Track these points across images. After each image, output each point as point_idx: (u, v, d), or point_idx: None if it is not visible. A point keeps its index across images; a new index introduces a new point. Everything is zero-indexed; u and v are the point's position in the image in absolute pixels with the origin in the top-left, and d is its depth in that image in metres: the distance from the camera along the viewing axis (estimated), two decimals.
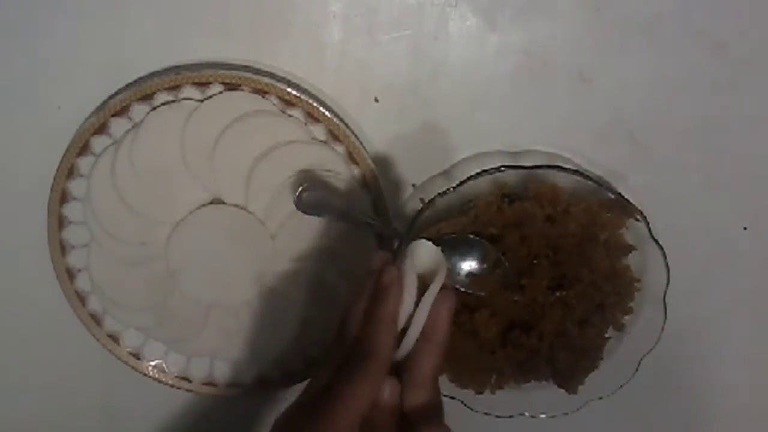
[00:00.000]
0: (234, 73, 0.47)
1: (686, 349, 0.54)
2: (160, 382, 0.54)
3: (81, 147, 0.49)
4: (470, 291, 0.48)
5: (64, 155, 0.49)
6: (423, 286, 0.40)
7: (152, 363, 0.54)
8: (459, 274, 0.48)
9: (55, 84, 0.49)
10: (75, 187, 0.50)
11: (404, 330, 0.39)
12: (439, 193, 0.47)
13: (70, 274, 0.52)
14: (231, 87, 0.48)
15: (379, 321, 0.38)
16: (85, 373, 0.56)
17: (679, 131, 0.50)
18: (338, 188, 0.49)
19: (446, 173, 0.51)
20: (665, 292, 0.49)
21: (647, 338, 0.50)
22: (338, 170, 0.49)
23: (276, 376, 0.54)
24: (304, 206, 0.47)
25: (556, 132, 0.50)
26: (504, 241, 0.47)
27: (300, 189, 0.46)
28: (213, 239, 0.50)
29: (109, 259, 0.51)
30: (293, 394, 0.41)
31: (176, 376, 0.54)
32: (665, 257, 0.48)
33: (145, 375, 0.54)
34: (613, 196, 0.48)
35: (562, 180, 0.47)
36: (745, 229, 0.52)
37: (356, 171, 0.49)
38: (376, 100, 0.50)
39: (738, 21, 0.48)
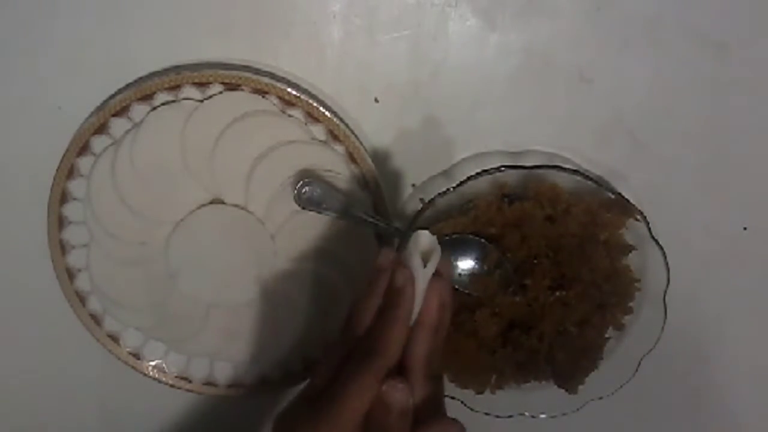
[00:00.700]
0: (234, 73, 0.47)
1: (686, 349, 0.54)
2: (160, 382, 0.54)
3: (81, 147, 0.49)
4: (470, 291, 0.48)
5: (64, 155, 0.49)
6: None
7: (152, 363, 0.54)
8: (459, 274, 0.48)
9: (55, 84, 0.49)
10: (75, 187, 0.50)
11: None
12: (439, 193, 0.47)
13: (70, 274, 0.52)
14: (231, 87, 0.48)
15: (394, 320, 0.38)
16: (85, 373, 0.56)
17: (679, 131, 0.50)
18: (338, 188, 0.49)
19: (446, 173, 0.51)
20: (665, 292, 0.49)
21: (647, 338, 0.50)
22: (338, 170, 0.49)
23: (276, 376, 0.54)
24: (303, 202, 0.47)
25: (556, 132, 0.50)
26: (504, 241, 0.47)
27: (300, 184, 0.47)
28: (213, 239, 0.50)
29: (109, 259, 0.51)
30: (294, 394, 0.41)
31: (176, 376, 0.54)
32: (665, 257, 0.48)
33: (145, 375, 0.54)
34: (613, 196, 0.48)
35: (562, 180, 0.47)
36: (745, 229, 0.52)
37: (356, 171, 0.49)
38: (376, 100, 0.50)
39: (738, 21, 0.48)
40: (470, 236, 0.47)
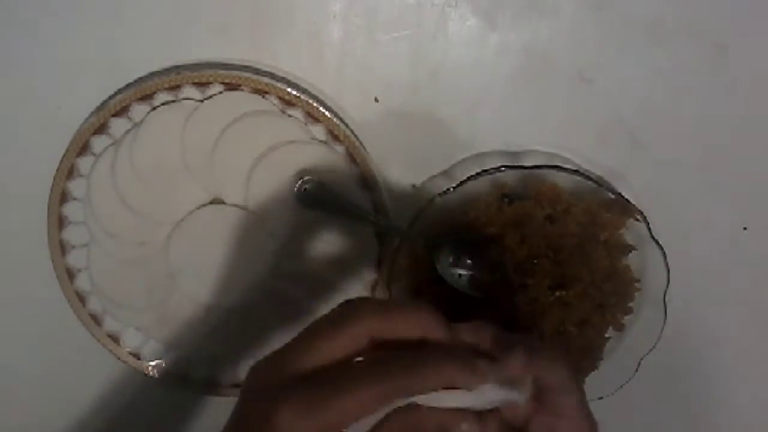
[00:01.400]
0: (234, 73, 0.47)
1: (686, 349, 0.54)
2: (160, 382, 0.54)
3: (81, 147, 0.48)
4: (470, 291, 0.48)
5: (64, 155, 0.49)
6: None
7: (152, 363, 0.54)
8: (459, 274, 0.48)
9: (55, 84, 0.49)
10: (75, 187, 0.50)
11: None
12: (439, 193, 0.47)
13: (70, 274, 0.51)
14: (231, 87, 0.48)
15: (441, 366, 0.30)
16: (85, 373, 0.56)
17: (679, 131, 0.50)
18: (338, 188, 0.49)
19: (446, 173, 0.51)
20: (665, 292, 0.48)
21: (647, 338, 0.49)
22: (338, 170, 0.49)
23: None
24: (303, 201, 0.47)
25: (556, 132, 0.50)
26: (504, 241, 0.47)
27: (300, 183, 0.47)
28: (213, 239, 0.50)
29: (109, 259, 0.51)
30: None
31: (176, 376, 0.54)
32: (665, 257, 0.48)
33: (145, 375, 0.54)
34: (613, 196, 0.48)
35: (562, 180, 0.47)
36: (745, 229, 0.52)
37: (356, 171, 0.49)
38: (376, 100, 0.50)
39: (738, 21, 0.48)
40: (470, 236, 0.47)
